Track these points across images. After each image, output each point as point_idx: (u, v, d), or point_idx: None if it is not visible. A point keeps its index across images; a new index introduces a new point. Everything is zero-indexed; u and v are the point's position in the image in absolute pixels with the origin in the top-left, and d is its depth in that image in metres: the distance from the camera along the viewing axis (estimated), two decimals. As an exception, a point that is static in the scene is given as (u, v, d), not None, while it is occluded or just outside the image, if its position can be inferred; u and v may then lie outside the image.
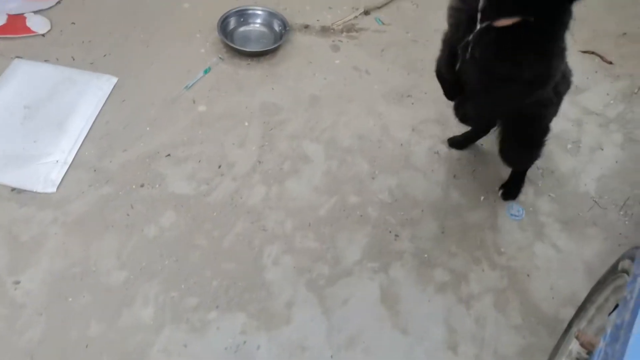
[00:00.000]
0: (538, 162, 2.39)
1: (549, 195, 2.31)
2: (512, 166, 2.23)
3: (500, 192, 2.29)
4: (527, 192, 2.31)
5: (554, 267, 2.11)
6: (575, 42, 2.93)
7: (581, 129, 2.54)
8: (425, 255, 2.11)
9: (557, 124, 2.53)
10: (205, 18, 2.81)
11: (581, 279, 2.08)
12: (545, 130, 2.02)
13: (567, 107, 2.62)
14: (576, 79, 2.71)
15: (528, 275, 2.08)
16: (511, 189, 2.29)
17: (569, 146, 2.48)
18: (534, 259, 2.12)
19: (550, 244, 2.17)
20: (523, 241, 2.17)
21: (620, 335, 1.15)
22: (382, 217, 2.19)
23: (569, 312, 1.92)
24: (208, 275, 1.98)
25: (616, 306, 1.57)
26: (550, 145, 2.46)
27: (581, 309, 1.77)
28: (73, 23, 2.73)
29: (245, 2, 2.89)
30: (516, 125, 1.98)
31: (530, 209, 2.27)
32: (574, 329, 1.75)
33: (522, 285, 2.05)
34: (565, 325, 1.84)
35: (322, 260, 2.06)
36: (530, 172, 2.36)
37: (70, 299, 1.88)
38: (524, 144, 2.06)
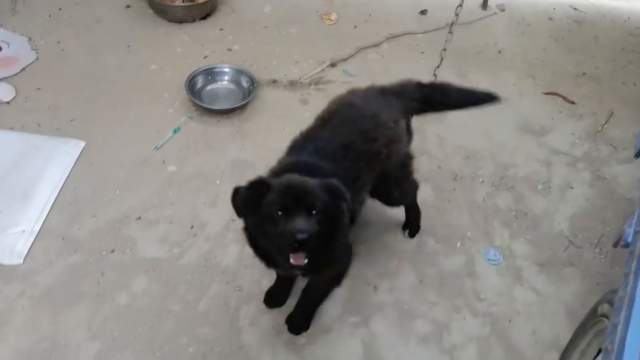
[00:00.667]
0: (511, 205, 2.41)
1: (525, 238, 2.31)
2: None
3: (406, 232, 2.29)
4: (503, 235, 2.31)
5: (534, 311, 2.09)
6: (538, 84, 3.00)
7: (550, 170, 2.57)
8: (405, 307, 2.08)
9: (527, 166, 2.57)
10: (172, 78, 2.82)
11: (563, 321, 2.06)
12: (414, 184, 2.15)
13: (535, 149, 2.66)
14: (541, 121, 2.80)
15: (510, 321, 2.06)
16: (415, 226, 2.30)
17: (540, 187, 2.50)
18: (515, 303, 2.10)
19: (530, 288, 2.16)
20: (502, 286, 2.15)
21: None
22: (360, 270, 2.16)
23: (554, 357, 1.90)
24: (183, 342, 1.91)
25: (599, 351, 1.56)
26: (522, 187, 2.49)
27: (565, 354, 1.75)
28: (38, 89, 2.71)
29: (212, 61, 2.91)
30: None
31: (507, 252, 2.26)
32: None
33: (505, 332, 2.03)
34: (550, 371, 1.82)
35: (301, 318, 2.01)
36: (504, 215, 2.37)
37: (38, 379, 1.80)
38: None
